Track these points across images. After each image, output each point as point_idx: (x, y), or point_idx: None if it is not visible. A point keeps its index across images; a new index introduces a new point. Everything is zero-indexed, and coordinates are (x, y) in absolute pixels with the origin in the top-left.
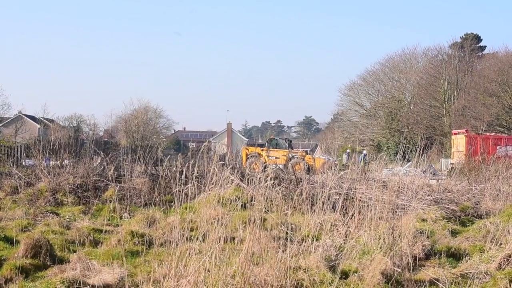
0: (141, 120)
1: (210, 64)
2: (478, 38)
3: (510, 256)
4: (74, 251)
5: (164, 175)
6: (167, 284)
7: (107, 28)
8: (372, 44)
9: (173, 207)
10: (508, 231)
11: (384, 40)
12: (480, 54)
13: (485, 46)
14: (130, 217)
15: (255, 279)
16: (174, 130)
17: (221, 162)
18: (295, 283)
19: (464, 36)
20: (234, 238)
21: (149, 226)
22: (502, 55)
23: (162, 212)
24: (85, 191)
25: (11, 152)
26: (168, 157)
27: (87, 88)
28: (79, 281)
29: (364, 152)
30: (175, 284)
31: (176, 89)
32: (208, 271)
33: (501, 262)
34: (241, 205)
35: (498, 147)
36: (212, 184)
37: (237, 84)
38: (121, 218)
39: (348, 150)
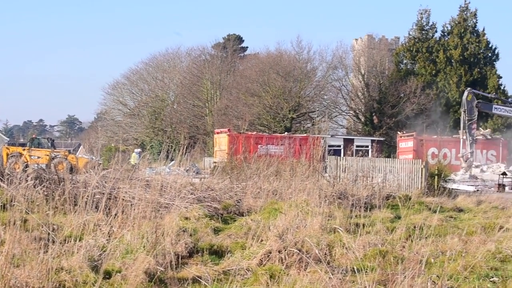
0: None
1: None
2: (240, 39)
3: (270, 252)
4: None
5: None
6: None
7: None
8: (137, 43)
9: None
10: (269, 227)
11: (149, 40)
12: (242, 54)
13: (247, 47)
14: None
15: (16, 282)
16: None
17: None
18: (58, 285)
19: (226, 37)
20: None
21: None
22: (263, 56)
23: None
24: None
25: None
26: None
27: None
28: None
29: (139, 150)
30: None
31: None
32: None
33: (262, 258)
34: (1, 206)
35: (259, 146)
36: None
37: None
38: None
39: (139, 149)
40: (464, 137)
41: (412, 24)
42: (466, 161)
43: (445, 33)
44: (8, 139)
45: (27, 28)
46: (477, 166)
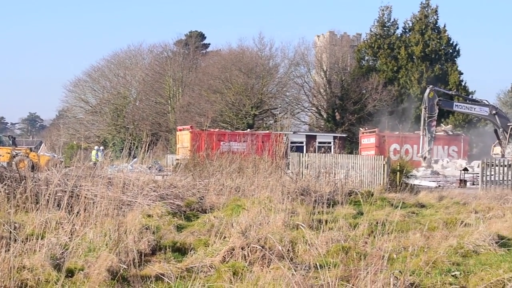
0: None
1: None
2: (202, 36)
3: (233, 249)
4: None
5: None
6: None
7: None
8: (99, 41)
9: None
10: (232, 224)
11: (112, 37)
12: (204, 51)
13: (209, 44)
14: None
15: None
16: None
17: None
18: (20, 283)
19: (188, 34)
20: None
21: None
22: (225, 53)
23: None
24: None
25: None
26: None
27: None
28: None
29: (102, 147)
30: None
31: None
32: None
33: (225, 255)
34: None
35: (222, 142)
36: None
37: None
38: None
39: (101, 147)
40: (423, 133)
41: (373, 21)
42: (425, 159)
43: (407, 30)
44: None
45: None
46: (436, 161)
